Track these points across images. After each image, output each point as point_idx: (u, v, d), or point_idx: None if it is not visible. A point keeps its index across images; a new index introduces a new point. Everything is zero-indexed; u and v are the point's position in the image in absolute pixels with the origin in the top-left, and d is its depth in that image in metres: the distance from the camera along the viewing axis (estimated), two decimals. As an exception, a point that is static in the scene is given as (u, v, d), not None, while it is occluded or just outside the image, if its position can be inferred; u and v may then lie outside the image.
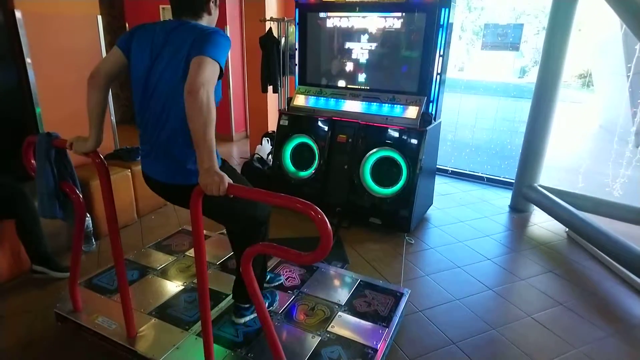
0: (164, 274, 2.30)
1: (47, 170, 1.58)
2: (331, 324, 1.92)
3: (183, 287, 2.18)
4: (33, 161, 1.68)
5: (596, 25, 7.50)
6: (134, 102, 1.54)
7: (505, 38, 4.39)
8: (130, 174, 3.09)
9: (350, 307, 2.06)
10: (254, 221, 1.76)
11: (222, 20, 5.30)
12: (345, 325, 1.92)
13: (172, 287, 2.18)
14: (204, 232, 2.89)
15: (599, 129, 8.39)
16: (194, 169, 1.46)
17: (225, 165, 1.67)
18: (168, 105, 1.43)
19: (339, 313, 2.01)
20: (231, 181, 1.29)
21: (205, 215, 1.40)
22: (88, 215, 2.68)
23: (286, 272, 2.34)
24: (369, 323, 1.95)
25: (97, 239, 2.84)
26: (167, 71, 1.41)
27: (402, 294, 2.17)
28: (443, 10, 2.82)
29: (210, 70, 1.26)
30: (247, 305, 1.91)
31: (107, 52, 3.16)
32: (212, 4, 1.53)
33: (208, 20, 1.54)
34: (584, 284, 2.62)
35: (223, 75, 1.37)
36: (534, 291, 2.51)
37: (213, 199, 1.31)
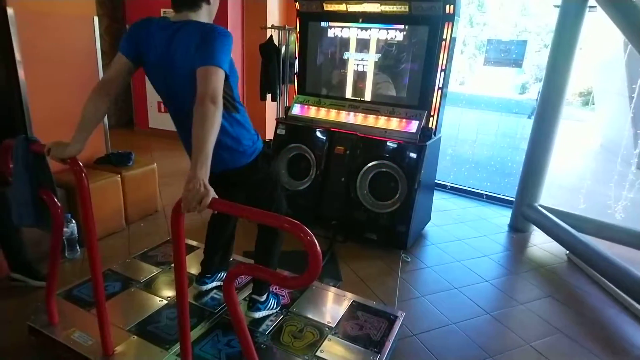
0: (147, 286, 2.19)
1: (24, 176, 1.49)
2: (320, 348, 1.82)
3: (166, 302, 2.07)
4: (12, 165, 1.59)
5: (597, 44, 7.51)
6: (162, 99, 1.62)
7: (508, 54, 4.36)
8: (120, 179, 2.98)
9: (341, 330, 1.95)
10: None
11: (223, 26, 5.25)
12: (335, 350, 1.82)
13: (155, 301, 2.07)
14: (193, 242, 2.76)
15: (600, 148, 8.34)
16: (245, 147, 1.68)
17: (264, 151, 1.78)
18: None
19: (329, 336, 1.90)
20: (216, 196, 1.21)
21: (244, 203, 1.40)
22: (73, 221, 2.59)
23: (275, 288, 2.23)
24: (360, 347, 1.84)
25: (82, 246, 2.74)
26: (184, 69, 1.42)
27: (396, 317, 2.07)
28: (446, 24, 2.76)
29: (215, 80, 1.32)
30: (262, 299, 1.89)
31: (103, 53, 3.12)
32: None
33: (208, 10, 1.54)
34: (584, 311, 2.52)
35: (228, 75, 1.40)
36: (532, 317, 2.42)
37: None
